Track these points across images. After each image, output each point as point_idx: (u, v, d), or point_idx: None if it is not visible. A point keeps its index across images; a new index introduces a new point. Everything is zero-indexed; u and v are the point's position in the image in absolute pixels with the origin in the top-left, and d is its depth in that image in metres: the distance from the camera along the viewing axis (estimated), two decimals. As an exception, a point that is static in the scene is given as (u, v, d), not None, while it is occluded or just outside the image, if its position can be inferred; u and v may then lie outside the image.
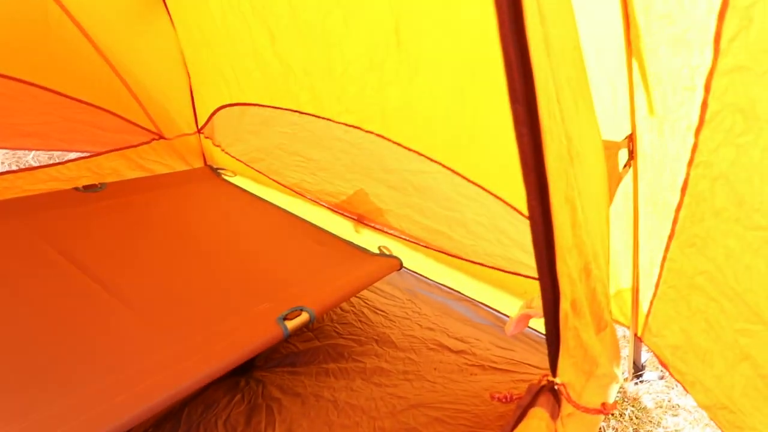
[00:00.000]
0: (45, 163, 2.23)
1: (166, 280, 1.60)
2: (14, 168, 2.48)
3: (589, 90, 1.09)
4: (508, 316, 1.98)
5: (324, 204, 2.30)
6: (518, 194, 1.62)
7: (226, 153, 2.51)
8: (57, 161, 2.21)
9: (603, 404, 0.95)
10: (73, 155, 2.36)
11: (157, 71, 2.23)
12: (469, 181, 1.67)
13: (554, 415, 0.91)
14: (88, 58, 1.98)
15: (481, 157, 1.58)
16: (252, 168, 2.46)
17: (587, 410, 0.92)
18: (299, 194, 2.35)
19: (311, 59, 1.67)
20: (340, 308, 1.98)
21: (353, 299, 2.04)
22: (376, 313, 1.99)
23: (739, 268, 0.92)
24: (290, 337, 1.50)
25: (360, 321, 1.93)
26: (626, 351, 1.82)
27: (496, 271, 1.89)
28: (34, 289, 1.43)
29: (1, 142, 2.22)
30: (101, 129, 2.25)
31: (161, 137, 2.44)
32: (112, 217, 1.92)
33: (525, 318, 1.09)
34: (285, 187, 2.38)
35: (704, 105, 0.84)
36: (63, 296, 1.43)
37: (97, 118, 2.21)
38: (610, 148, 1.29)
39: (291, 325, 1.43)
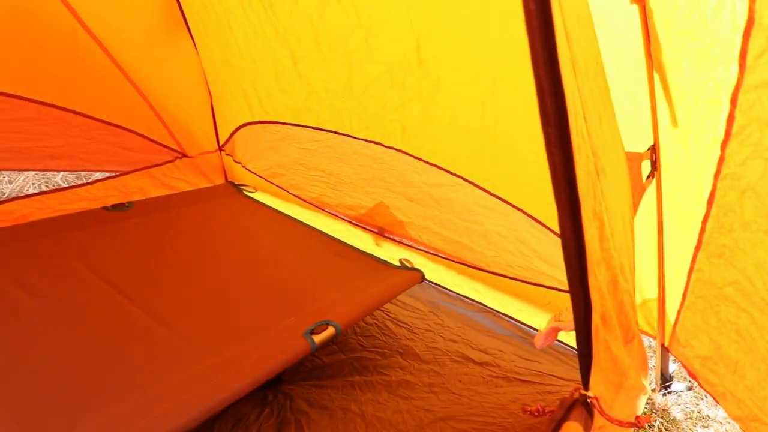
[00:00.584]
0: (73, 184, 2.30)
1: (194, 296, 1.63)
2: (44, 189, 2.56)
3: (611, 103, 1.10)
4: (531, 327, 1.98)
5: (344, 218, 2.32)
6: (539, 205, 1.65)
7: (247, 169, 2.56)
8: (84, 182, 2.28)
9: (637, 417, 0.95)
10: (99, 175, 2.44)
11: (180, 92, 2.29)
12: (489, 193, 1.69)
13: (587, 428, 0.92)
14: (115, 81, 2.05)
15: (501, 169, 1.60)
16: (272, 183, 2.50)
17: (621, 423, 0.92)
18: (319, 208, 2.39)
19: (333, 78, 1.71)
20: (364, 321, 2.00)
21: (376, 312, 2.06)
22: (399, 325, 2.01)
23: (770, 279, 0.93)
24: (317, 351, 1.52)
25: (383, 334, 1.95)
26: (653, 361, 1.81)
27: (518, 282, 1.90)
28: (68, 306, 1.47)
29: (32, 164, 2.29)
30: (127, 149, 2.32)
31: (184, 155, 2.50)
32: (139, 234, 1.97)
33: (554, 331, 1.09)
34: (305, 201, 2.42)
35: (731, 118, 0.85)
36: (95, 313, 1.47)
37: (123, 139, 2.27)
38: (634, 159, 1.30)
39: (318, 339, 1.46)
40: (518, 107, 1.36)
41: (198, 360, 1.34)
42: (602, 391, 0.99)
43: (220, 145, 2.59)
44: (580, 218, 0.71)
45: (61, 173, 2.65)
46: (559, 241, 0.80)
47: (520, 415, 1.57)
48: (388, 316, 2.06)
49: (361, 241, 2.25)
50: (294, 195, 2.44)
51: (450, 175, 1.77)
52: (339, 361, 1.78)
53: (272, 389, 1.62)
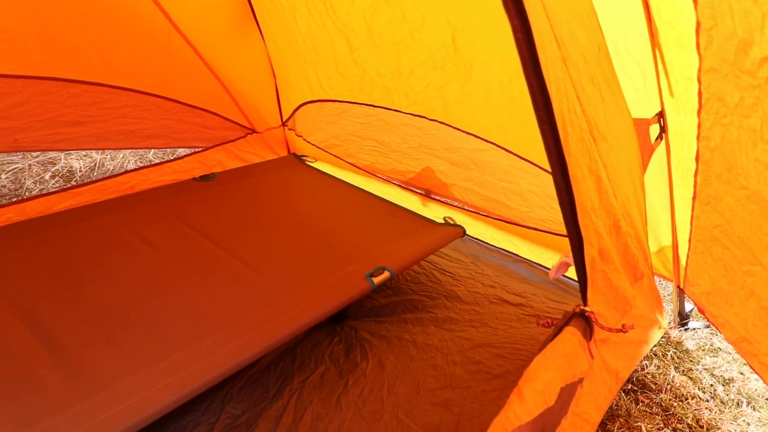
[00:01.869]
0: (162, 160, 2.71)
1: (273, 247, 1.99)
2: (140, 165, 3.01)
3: (616, 80, 1.32)
4: (562, 275, 2.24)
5: (395, 182, 2.62)
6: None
7: (307, 141, 2.90)
8: (172, 158, 2.69)
9: (623, 325, 1.21)
10: (182, 151, 2.85)
11: (250, 78, 2.64)
12: (519, 157, 1.93)
13: (586, 335, 1.19)
14: (199, 71, 2.42)
15: (529, 137, 1.83)
16: (330, 153, 2.82)
17: (610, 329, 1.19)
18: (372, 174, 2.69)
19: (383, 63, 1.99)
20: (413, 270, 2.32)
21: (423, 263, 2.37)
22: (444, 274, 2.31)
23: (736, 219, 1.14)
24: (375, 291, 1.84)
25: (430, 280, 2.26)
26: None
27: (549, 235, 2.15)
28: (174, 252, 1.85)
29: (132, 143, 2.72)
30: (207, 128, 2.70)
31: (254, 131, 2.87)
32: (223, 199, 2.35)
33: (564, 265, 1.36)
34: (359, 168, 2.73)
35: (699, 93, 1.07)
36: (198, 258, 1.84)
37: (204, 119, 2.65)
38: (641, 125, 1.51)
39: (376, 280, 1.78)
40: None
41: (281, 296, 1.68)
42: (602, 310, 1.26)
43: (284, 121, 2.94)
44: (567, 173, 0.98)
45: (153, 150, 3.08)
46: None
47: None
48: (435, 266, 2.37)
49: (410, 202, 2.55)
50: (349, 163, 2.75)
51: (487, 142, 2.02)
52: (393, 303, 2.11)
53: (340, 324, 1.97)
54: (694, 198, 1.41)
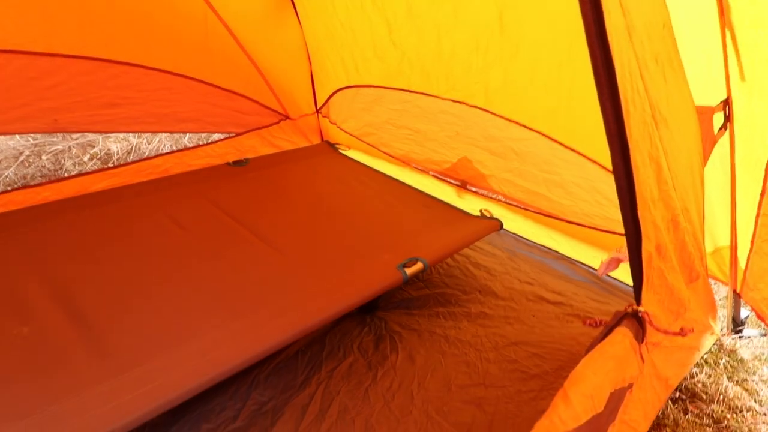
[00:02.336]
0: (196, 144, 2.71)
1: (303, 234, 1.95)
2: (174, 149, 3.03)
3: (680, 62, 1.21)
4: (606, 275, 2.12)
5: (430, 172, 2.55)
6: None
7: (341, 129, 2.85)
8: (206, 142, 2.69)
9: (682, 328, 1.11)
10: (216, 136, 2.84)
11: (285, 62, 2.60)
12: (565, 146, 1.82)
13: (638, 337, 1.10)
14: (235, 55, 2.39)
15: (577, 125, 1.73)
16: (364, 142, 2.77)
17: (666, 332, 1.09)
18: (406, 164, 2.63)
19: (423, 45, 1.91)
20: (446, 263, 2.25)
21: (457, 256, 2.29)
22: (479, 268, 2.23)
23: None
24: (407, 282, 1.78)
25: (464, 275, 2.18)
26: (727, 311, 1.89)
27: (594, 231, 2.03)
28: (206, 235, 1.83)
29: (167, 127, 2.73)
30: (242, 113, 2.69)
31: (287, 118, 2.84)
32: (256, 185, 2.32)
33: (615, 261, 1.26)
34: (393, 158, 2.66)
35: (783, 73, 0.95)
36: (228, 242, 1.82)
37: (239, 104, 2.64)
38: (704, 113, 1.39)
39: (409, 271, 1.72)
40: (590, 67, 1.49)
41: (311, 283, 1.64)
42: (656, 311, 1.16)
43: (318, 108, 2.89)
44: (629, 157, 0.88)
45: (188, 135, 3.10)
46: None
47: (587, 345, 1.75)
48: (469, 260, 2.28)
49: (445, 193, 2.47)
50: (383, 152, 2.69)
51: (530, 130, 1.92)
52: (425, 295, 2.04)
53: (370, 314, 1.92)
54: (762, 194, 1.29)
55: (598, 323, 1.14)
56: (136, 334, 1.34)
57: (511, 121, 1.92)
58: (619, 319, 1.08)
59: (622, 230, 1.95)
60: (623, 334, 1.05)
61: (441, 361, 1.68)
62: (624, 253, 1.20)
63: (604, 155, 1.81)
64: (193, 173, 2.32)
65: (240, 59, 2.44)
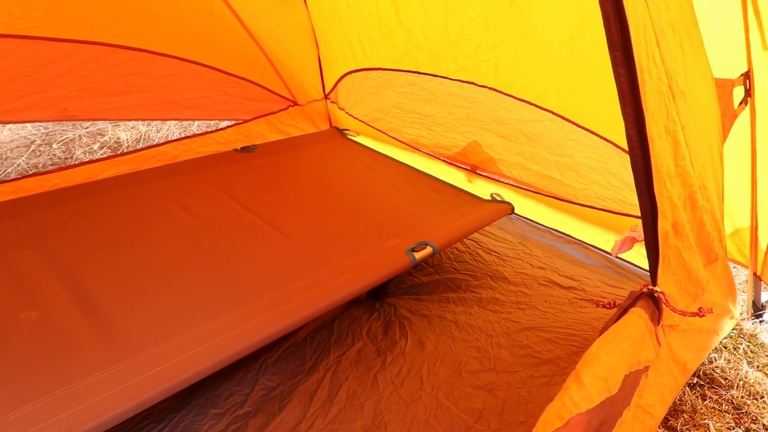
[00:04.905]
0: (205, 131, 2.70)
1: (312, 219, 1.93)
2: (183, 136, 3.02)
3: (698, 33, 1.16)
4: (619, 258, 2.07)
5: (439, 157, 2.50)
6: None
7: (349, 115, 2.81)
8: (215, 128, 2.67)
9: (700, 308, 1.07)
10: (224, 123, 2.83)
11: (293, 47, 2.57)
12: (579, 126, 1.77)
13: (654, 319, 1.06)
14: (241, 39, 2.37)
15: (591, 102, 1.68)
16: (372, 127, 2.73)
17: (683, 313, 1.05)
18: (416, 149, 2.59)
19: (430, 24, 1.86)
20: (456, 249, 2.21)
21: (468, 242, 2.26)
22: (490, 253, 2.19)
23: None
24: (416, 267, 1.75)
25: (475, 260, 2.15)
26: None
27: (607, 214, 1.98)
28: (214, 221, 1.82)
29: (175, 114, 2.72)
30: (249, 99, 2.66)
31: (296, 104, 2.81)
32: (264, 171, 2.31)
33: (629, 240, 1.22)
34: (402, 143, 2.62)
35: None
36: (236, 227, 1.80)
37: (247, 90, 2.61)
38: (724, 86, 1.33)
39: (418, 255, 1.69)
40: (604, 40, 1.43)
41: (319, 267, 1.62)
42: (672, 291, 1.11)
43: (326, 93, 2.86)
44: (644, 128, 0.84)
45: (196, 123, 3.09)
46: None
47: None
48: (480, 245, 2.25)
49: (455, 178, 2.43)
50: (392, 137, 2.65)
51: (541, 110, 1.87)
52: (435, 281, 2.01)
53: (378, 300, 1.90)
54: (785, 170, 1.23)
55: (611, 304, 1.11)
56: (144, 318, 1.33)
57: (521, 100, 1.87)
58: (634, 300, 1.04)
59: (636, 213, 1.91)
60: (638, 315, 1.01)
61: (451, 346, 1.65)
62: (639, 231, 1.16)
63: (619, 133, 1.76)
64: (201, 160, 2.31)
65: (247, 44, 2.41)
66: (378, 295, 1.92)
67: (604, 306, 1.11)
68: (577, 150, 1.94)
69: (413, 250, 1.71)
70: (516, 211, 2.15)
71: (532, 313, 1.82)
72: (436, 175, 2.40)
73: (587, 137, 1.85)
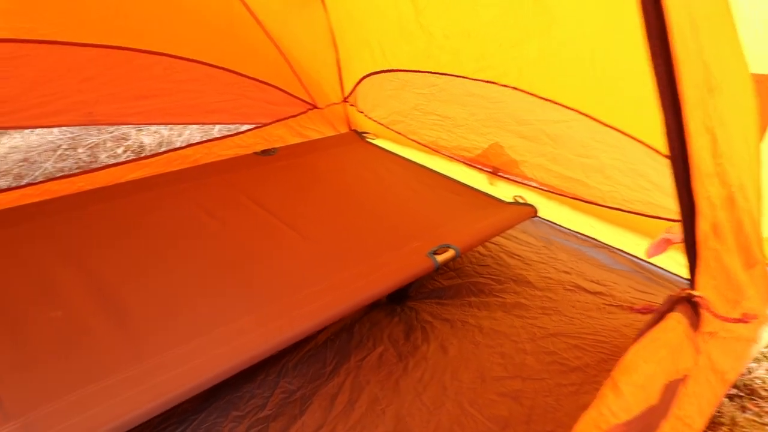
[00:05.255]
0: (226, 134, 2.71)
1: (331, 221, 1.91)
2: (205, 139, 3.04)
3: (733, 25, 1.10)
4: (649, 263, 2.00)
5: (459, 159, 2.47)
6: (659, 134, 1.64)
7: (369, 117, 2.80)
8: (235, 132, 2.68)
9: (744, 314, 1.01)
10: (244, 127, 2.83)
11: (312, 50, 2.57)
12: (606, 125, 1.72)
13: (693, 325, 1.00)
14: (260, 42, 2.37)
15: (619, 100, 1.63)
16: (391, 130, 2.71)
17: (726, 319, 1.00)
18: (436, 152, 2.55)
19: (451, 24, 1.83)
20: (479, 252, 2.17)
21: (490, 245, 2.21)
22: (513, 257, 2.14)
23: None
24: (439, 269, 1.71)
25: (498, 264, 2.10)
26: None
27: (635, 216, 1.92)
28: (235, 223, 1.82)
29: (196, 118, 2.75)
30: (269, 103, 2.67)
31: (315, 107, 2.81)
32: (284, 174, 2.30)
33: (665, 242, 1.16)
34: (422, 145, 2.60)
35: None
36: (256, 230, 1.79)
37: (267, 94, 2.62)
38: (762, 81, 1.27)
39: (440, 258, 1.65)
40: (636, 34, 1.39)
41: (339, 270, 1.59)
42: (711, 296, 1.06)
43: (345, 96, 2.85)
44: (683, 123, 0.80)
45: (217, 127, 3.11)
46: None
47: (632, 337, 1.65)
48: (502, 249, 2.20)
49: (476, 181, 2.38)
50: (412, 140, 2.63)
51: (565, 109, 1.82)
52: (457, 285, 1.97)
53: (399, 304, 1.87)
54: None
55: (649, 309, 1.06)
56: (166, 319, 1.33)
57: (545, 99, 1.83)
58: (671, 304, 0.99)
59: (667, 215, 1.86)
60: (677, 320, 0.96)
61: (474, 352, 1.61)
62: (674, 233, 1.11)
63: (649, 132, 1.71)
64: (221, 163, 2.32)
65: (267, 48, 2.42)
66: (399, 299, 1.89)
67: (638, 311, 1.06)
68: (603, 151, 1.89)
69: (435, 253, 1.67)
70: (539, 214, 2.10)
71: (559, 319, 1.77)
72: (456, 178, 2.37)
73: (613, 137, 1.80)
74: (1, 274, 1.45)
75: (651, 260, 1.99)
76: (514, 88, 1.89)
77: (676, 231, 1.12)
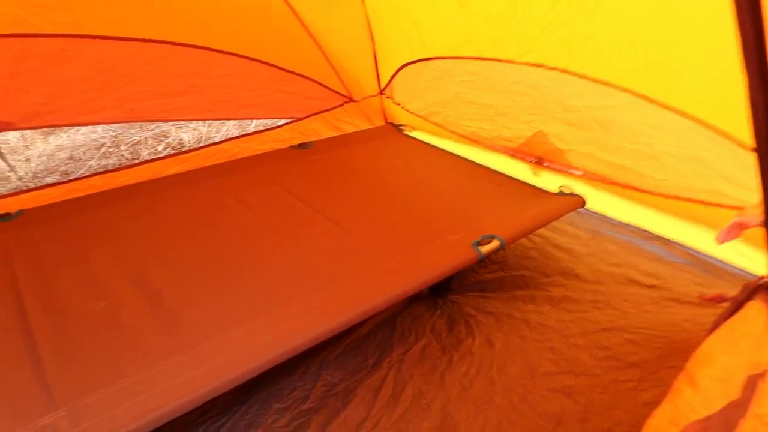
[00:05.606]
0: (263, 128, 2.71)
1: (371, 214, 1.86)
2: (242, 134, 3.06)
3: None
4: (708, 255, 1.87)
5: (501, 150, 2.38)
6: (725, 115, 1.51)
7: (406, 110, 2.74)
8: (272, 126, 2.68)
9: None
10: (281, 122, 2.83)
11: (348, 42, 2.53)
12: (663, 106, 1.61)
13: (774, 315, 0.91)
14: (297, 34, 2.36)
15: (677, 78, 1.52)
16: (430, 122, 2.65)
17: None
18: (476, 142, 2.47)
19: (494, 6, 1.76)
20: (523, 245, 2.09)
21: (535, 237, 2.13)
22: (560, 250, 2.05)
23: None
24: (483, 260, 1.65)
25: (543, 256, 2.01)
26: None
27: (694, 205, 1.79)
28: (272, 215, 1.81)
29: (231, 113, 2.76)
30: (305, 97, 2.65)
31: (351, 100, 2.77)
32: (320, 167, 2.28)
33: (737, 226, 1.06)
34: (462, 136, 2.52)
35: None
36: (295, 222, 1.77)
37: (303, 87, 2.60)
38: None
39: (484, 249, 1.59)
40: (696, 7, 1.28)
41: (380, 262, 1.55)
42: (794, 285, 0.96)
43: (382, 89, 2.81)
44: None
45: (254, 122, 3.12)
46: (748, 156, 0.77)
47: (694, 332, 1.54)
48: (548, 241, 2.11)
49: (518, 172, 2.29)
50: (451, 131, 2.56)
51: (616, 93, 1.72)
52: (501, 278, 1.90)
53: (441, 297, 1.81)
54: None
55: (720, 299, 0.96)
56: (206, 311, 1.32)
57: (596, 81, 1.73)
58: (749, 293, 0.90)
59: (730, 203, 1.73)
60: (758, 310, 0.87)
61: (522, 346, 1.54)
62: (749, 216, 1.01)
63: (713, 111, 1.58)
64: (259, 157, 2.32)
65: (303, 39, 2.40)
66: (440, 292, 1.83)
67: (713, 300, 0.97)
68: (657, 137, 1.78)
69: (479, 244, 1.61)
70: (587, 206, 2.01)
71: (611, 313, 1.67)
72: (498, 169, 2.29)
73: (670, 122, 1.68)
74: (48, 266, 1.48)
75: (711, 252, 1.86)
76: (563, 70, 1.80)
77: (750, 214, 1.03)
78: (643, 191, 1.92)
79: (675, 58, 1.47)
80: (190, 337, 1.22)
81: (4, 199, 1.87)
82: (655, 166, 1.84)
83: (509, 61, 1.95)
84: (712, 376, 0.77)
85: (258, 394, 1.37)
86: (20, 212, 1.74)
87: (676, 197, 1.82)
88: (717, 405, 0.73)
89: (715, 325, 0.88)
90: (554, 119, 2.05)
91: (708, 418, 0.72)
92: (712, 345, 0.82)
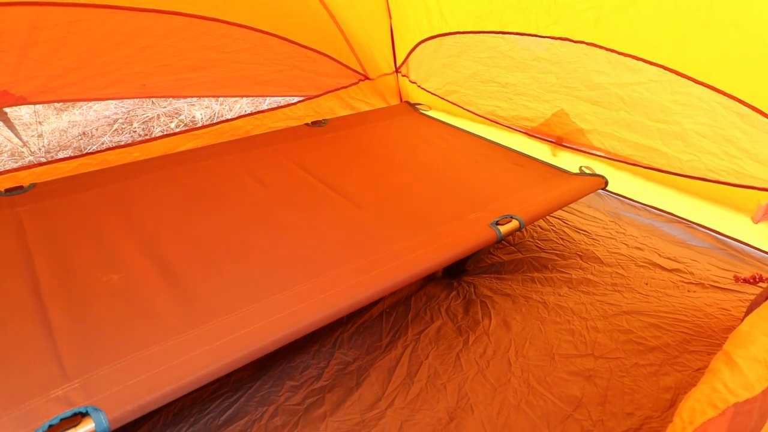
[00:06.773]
0: (276, 106, 2.67)
1: (387, 192, 1.82)
2: (256, 110, 3.03)
3: None
4: (733, 239, 1.81)
5: (519, 129, 2.32)
6: (760, 90, 1.43)
7: (422, 88, 2.68)
8: (286, 104, 2.64)
9: None
10: (295, 99, 2.79)
11: (365, 17, 2.47)
12: (695, 81, 1.54)
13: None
14: (313, 8, 2.30)
15: (713, 51, 1.45)
16: (446, 100, 2.59)
17: None
18: (493, 122, 2.42)
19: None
20: (540, 226, 2.04)
21: (552, 219, 2.08)
22: (578, 232, 2.00)
23: None
24: (501, 240, 1.60)
25: (561, 239, 1.97)
26: None
27: (720, 187, 1.74)
28: (287, 192, 1.77)
29: (245, 90, 2.71)
30: (320, 74, 2.60)
31: (366, 77, 2.72)
32: (334, 144, 2.24)
33: (777, 205, 1.01)
34: (479, 116, 2.46)
35: None
36: (310, 199, 1.74)
37: (317, 65, 2.55)
38: None
39: (503, 229, 1.54)
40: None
41: (396, 240, 1.51)
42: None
43: (397, 66, 2.75)
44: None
45: (268, 100, 3.08)
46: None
47: (718, 317, 1.50)
48: (566, 223, 2.06)
49: (537, 152, 2.24)
50: (468, 110, 2.50)
51: (645, 68, 1.66)
52: (517, 260, 1.86)
53: (456, 278, 1.78)
54: None
55: (758, 279, 0.92)
56: (221, 285, 1.30)
57: (625, 54, 1.66)
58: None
59: (760, 185, 1.66)
60: (800, 290, 0.82)
61: (540, 328, 1.51)
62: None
63: (748, 87, 1.50)
64: (272, 134, 2.28)
65: (320, 15, 2.34)
66: (455, 273, 1.80)
67: (748, 281, 0.92)
68: (685, 115, 1.71)
69: (497, 224, 1.57)
70: (608, 187, 1.95)
71: (632, 296, 1.63)
72: (516, 148, 2.24)
73: (700, 99, 1.62)
74: (61, 239, 1.46)
75: (737, 236, 1.80)
76: (590, 44, 1.73)
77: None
78: (667, 172, 1.86)
79: (712, 27, 1.40)
80: (204, 312, 1.20)
81: (17, 172, 1.86)
82: (681, 146, 1.78)
83: (533, 35, 1.88)
84: (752, 356, 0.73)
85: (271, 371, 1.36)
86: (33, 185, 1.73)
87: (702, 178, 1.76)
88: (758, 387, 0.70)
89: (755, 304, 0.83)
90: (577, 98, 1.99)
91: (749, 401, 0.68)
92: (751, 326, 0.78)
